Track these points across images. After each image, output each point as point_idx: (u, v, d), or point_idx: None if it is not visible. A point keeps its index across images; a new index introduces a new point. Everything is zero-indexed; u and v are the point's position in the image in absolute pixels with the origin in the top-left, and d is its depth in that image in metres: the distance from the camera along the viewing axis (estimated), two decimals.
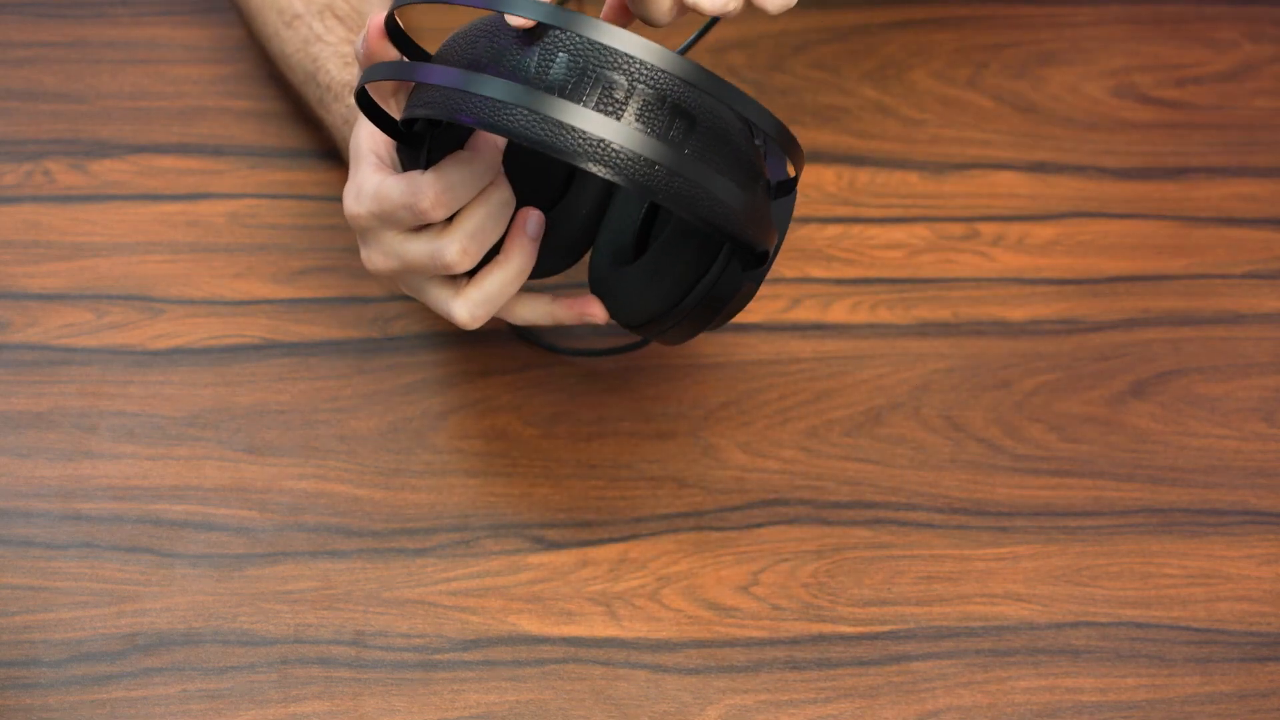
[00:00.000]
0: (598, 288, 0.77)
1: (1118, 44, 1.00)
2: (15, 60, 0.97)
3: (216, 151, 0.93)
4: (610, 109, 0.65)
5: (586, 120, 0.64)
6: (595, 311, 0.76)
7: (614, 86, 0.65)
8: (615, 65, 0.65)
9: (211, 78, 0.96)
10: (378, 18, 0.69)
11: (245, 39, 0.98)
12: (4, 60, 0.97)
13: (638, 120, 0.65)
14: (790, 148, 0.67)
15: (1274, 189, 0.95)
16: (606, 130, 0.64)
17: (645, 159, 0.65)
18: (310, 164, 0.93)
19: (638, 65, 0.65)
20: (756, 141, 0.73)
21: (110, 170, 0.92)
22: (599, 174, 0.64)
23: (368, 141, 0.74)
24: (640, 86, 0.65)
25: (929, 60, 0.99)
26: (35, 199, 0.91)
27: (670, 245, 0.73)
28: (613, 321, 0.86)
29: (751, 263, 0.71)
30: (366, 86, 0.71)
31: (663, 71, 0.65)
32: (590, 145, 0.64)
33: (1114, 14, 1.01)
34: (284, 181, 0.92)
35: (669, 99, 0.65)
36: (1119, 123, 0.97)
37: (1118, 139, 0.96)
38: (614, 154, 0.64)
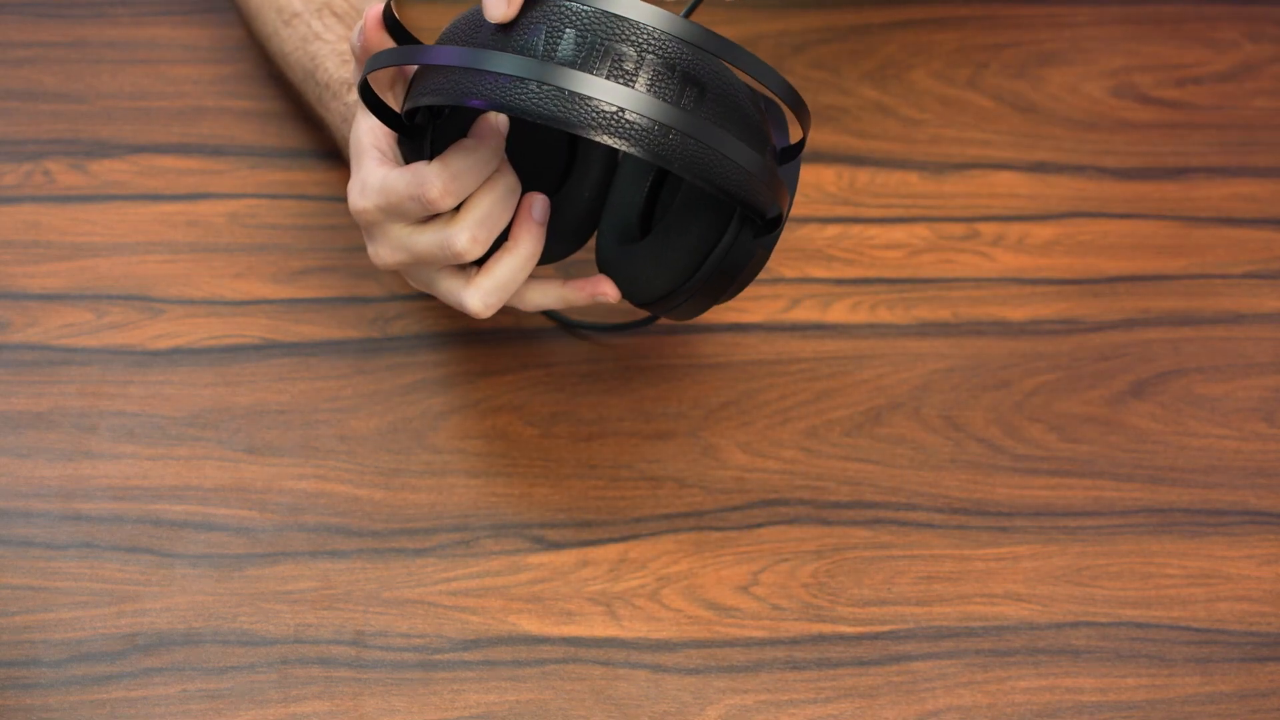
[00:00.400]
0: (607, 269, 0.77)
1: (1118, 44, 1.00)
2: (15, 60, 0.97)
3: (216, 151, 0.93)
4: (622, 80, 0.65)
5: (600, 90, 0.63)
6: (607, 290, 0.76)
7: (623, 58, 0.65)
8: (623, 36, 0.65)
9: (211, 78, 0.96)
10: (375, 10, 0.69)
11: (245, 39, 0.98)
12: (4, 60, 0.97)
13: (649, 90, 0.65)
14: (799, 109, 0.67)
15: (1274, 189, 0.95)
16: (621, 99, 0.63)
17: (661, 126, 0.65)
18: (310, 164, 0.93)
19: (646, 34, 0.65)
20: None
21: (110, 170, 0.92)
22: (614, 146, 0.64)
23: (368, 136, 0.74)
24: (650, 56, 0.65)
25: (929, 60, 0.99)
26: (35, 199, 0.91)
27: (679, 219, 0.73)
28: (625, 302, 0.86)
29: (763, 228, 0.71)
30: (368, 78, 0.71)
31: (672, 38, 0.65)
32: (604, 117, 0.64)
33: (1114, 14, 1.01)
34: (284, 181, 0.92)
35: (679, 67, 0.65)
36: (1119, 123, 0.97)
37: (1118, 139, 0.96)
38: (629, 124, 0.64)
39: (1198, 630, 0.79)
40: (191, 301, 0.88)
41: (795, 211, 0.92)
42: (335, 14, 0.86)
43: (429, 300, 0.88)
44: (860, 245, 0.91)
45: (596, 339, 0.87)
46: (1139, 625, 0.79)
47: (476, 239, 0.71)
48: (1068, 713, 0.76)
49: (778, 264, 0.90)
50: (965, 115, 0.96)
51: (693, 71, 0.66)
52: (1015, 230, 0.92)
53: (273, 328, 0.87)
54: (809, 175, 0.94)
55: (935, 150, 0.95)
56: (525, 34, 0.65)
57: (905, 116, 0.96)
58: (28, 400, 0.84)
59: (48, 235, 0.90)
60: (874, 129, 0.96)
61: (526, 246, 0.73)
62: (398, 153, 0.74)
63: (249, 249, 0.90)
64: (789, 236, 0.91)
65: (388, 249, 0.74)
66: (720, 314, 0.88)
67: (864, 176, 0.94)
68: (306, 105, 0.89)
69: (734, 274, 0.72)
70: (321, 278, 0.89)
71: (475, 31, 0.67)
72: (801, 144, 0.71)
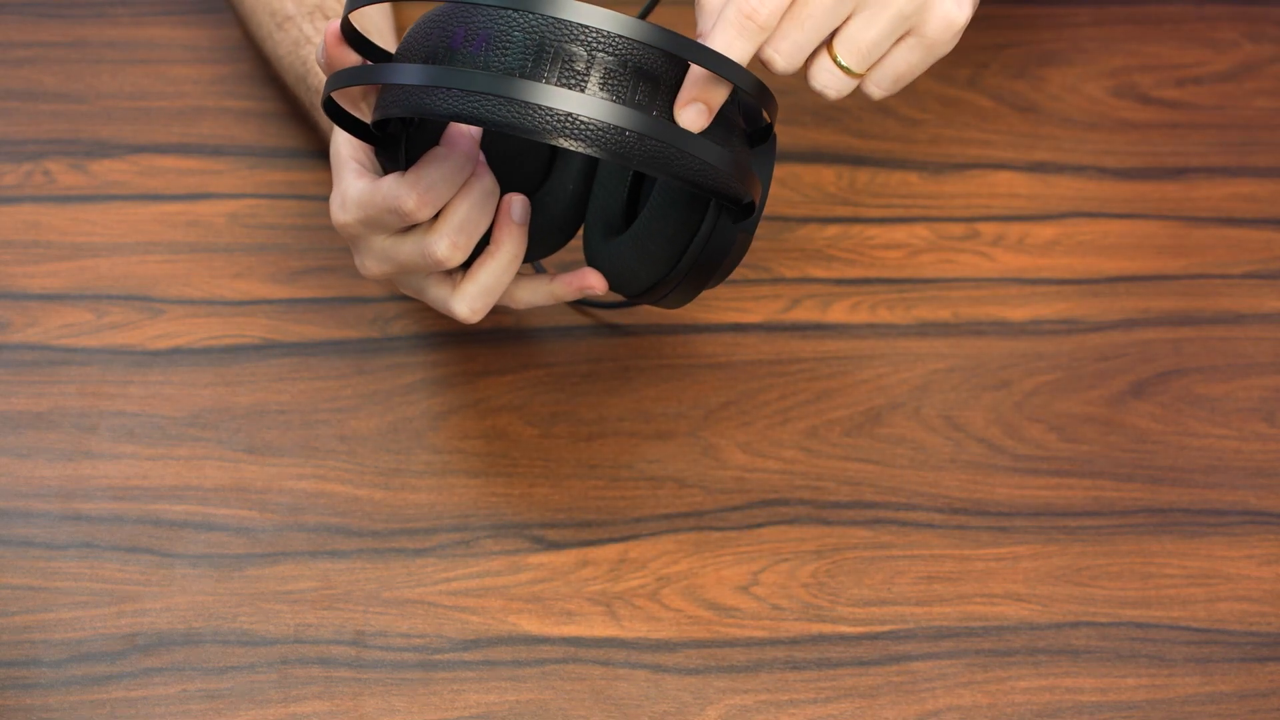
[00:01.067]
0: (594, 262, 0.78)
1: (1118, 44, 1.00)
2: (15, 60, 0.97)
3: (216, 151, 0.93)
4: (572, 82, 0.65)
5: (550, 96, 0.63)
6: (594, 283, 0.76)
7: (574, 59, 0.65)
8: (572, 37, 0.65)
9: (211, 78, 0.96)
10: (334, 24, 0.69)
11: (245, 39, 0.98)
12: (4, 60, 0.97)
13: (601, 89, 0.65)
14: (761, 95, 0.67)
15: (1274, 189, 0.95)
16: (571, 103, 0.64)
17: (614, 127, 0.65)
18: (310, 164, 0.93)
19: (594, 34, 0.65)
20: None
21: (110, 170, 0.92)
22: (571, 148, 0.65)
23: (346, 148, 0.74)
24: (600, 55, 0.65)
25: None
26: (35, 199, 0.91)
27: (657, 210, 0.73)
28: (613, 293, 0.86)
29: (740, 214, 0.71)
30: (334, 94, 0.71)
31: (620, 37, 0.65)
32: (558, 120, 0.64)
33: (1114, 14, 1.01)
34: (284, 181, 0.92)
35: (630, 64, 0.65)
36: (1119, 123, 0.97)
37: (1118, 139, 0.96)
38: (582, 126, 0.64)
39: (1198, 630, 0.79)
40: (191, 301, 0.88)
41: (795, 211, 0.92)
42: (327, 17, 0.86)
43: None
44: (860, 245, 0.91)
45: (603, 319, 0.87)
46: (1139, 625, 0.79)
47: (456, 245, 0.71)
48: (1068, 713, 0.76)
49: (778, 264, 0.90)
50: (965, 115, 0.97)
51: (645, 66, 0.66)
52: (1015, 230, 0.92)
53: (273, 328, 0.87)
54: (809, 175, 0.94)
55: (935, 150, 0.95)
56: (474, 41, 0.65)
57: (905, 116, 0.96)
58: (28, 400, 0.84)
59: (48, 235, 0.90)
60: (874, 129, 0.96)
61: (508, 248, 0.73)
62: (376, 162, 0.74)
63: (249, 249, 0.90)
64: (789, 236, 0.91)
65: (372, 260, 0.74)
66: (720, 314, 0.88)
67: (864, 176, 0.94)
68: (300, 108, 0.89)
69: (717, 261, 0.72)
70: (321, 278, 0.89)
71: (426, 40, 0.67)
72: (770, 128, 0.71)
